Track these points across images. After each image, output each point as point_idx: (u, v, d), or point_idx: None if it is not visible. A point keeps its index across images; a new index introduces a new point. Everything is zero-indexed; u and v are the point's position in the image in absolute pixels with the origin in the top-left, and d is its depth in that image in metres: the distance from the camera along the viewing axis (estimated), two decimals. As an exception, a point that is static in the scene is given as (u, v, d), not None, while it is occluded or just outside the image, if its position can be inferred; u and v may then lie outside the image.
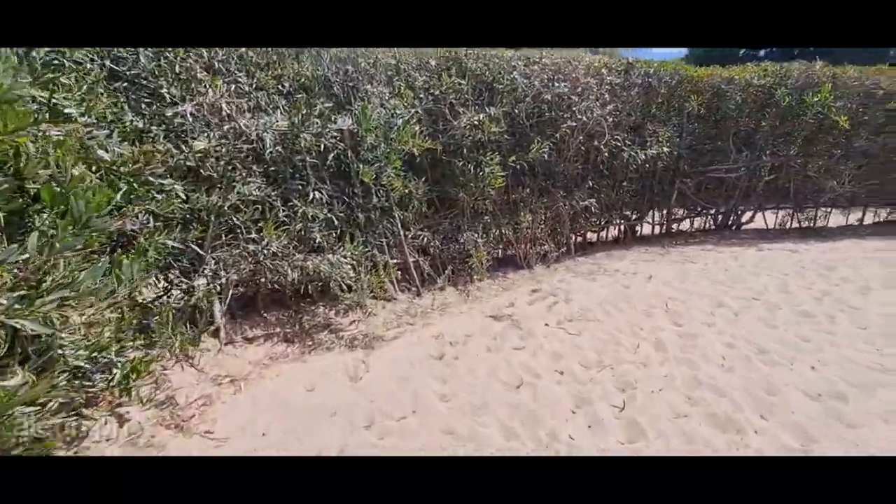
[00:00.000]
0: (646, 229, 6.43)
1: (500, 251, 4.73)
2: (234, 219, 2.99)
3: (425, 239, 4.11)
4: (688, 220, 6.67)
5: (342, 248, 3.42)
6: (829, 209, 6.55)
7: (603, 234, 6.06)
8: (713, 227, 6.73)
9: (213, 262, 2.92)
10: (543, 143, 4.48)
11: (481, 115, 4.07)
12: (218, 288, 2.97)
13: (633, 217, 6.19)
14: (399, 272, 4.01)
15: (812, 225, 6.52)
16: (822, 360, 2.75)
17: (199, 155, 2.82)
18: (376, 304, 3.72)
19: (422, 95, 4.01)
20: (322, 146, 3.35)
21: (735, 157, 6.17)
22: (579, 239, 5.75)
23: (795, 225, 6.58)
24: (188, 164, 2.77)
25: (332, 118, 3.48)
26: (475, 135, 4.10)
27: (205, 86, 3.02)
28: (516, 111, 4.49)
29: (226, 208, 2.93)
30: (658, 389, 2.48)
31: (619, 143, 5.19)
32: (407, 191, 3.88)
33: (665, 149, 5.57)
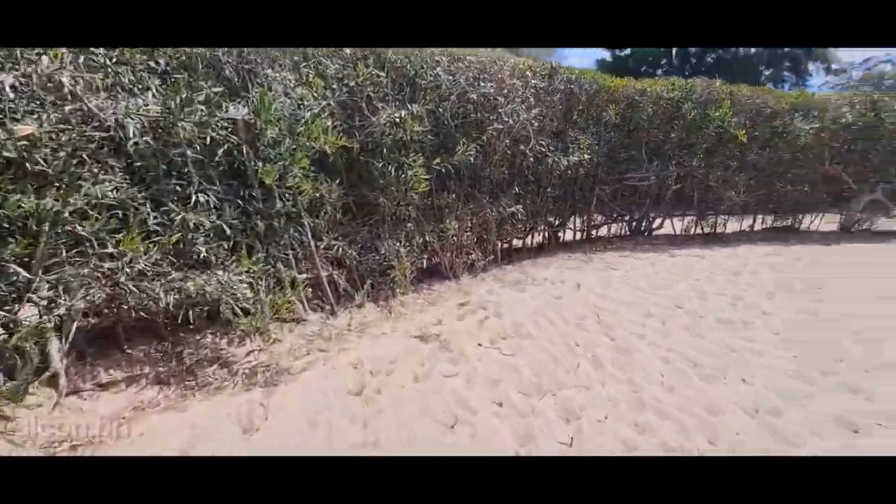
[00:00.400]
0: (568, 235, 6.50)
1: (424, 261, 4.38)
2: (81, 228, 2.30)
3: (340, 249, 3.62)
4: (606, 226, 6.90)
5: (236, 264, 2.84)
6: (726, 217, 7.15)
7: (528, 240, 6.00)
8: (628, 232, 7.01)
9: (47, 285, 2.20)
10: (469, 146, 4.22)
11: (403, 112, 3.70)
12: (56, 320, 2.25)
13: (557, 223, 6.21)
14: (310, 289, 3.48)
15: (713, 231, 7.07)
16: (750, 371, 2.77)
17: (24, 143, 2.10)
18: (282, 329, 3.16)
19: (335, 86, 3.53)
20: (209, 138, 2.74)
21: (647, 167, 6.47)
22: (505, 246, 5.61)
23: (699, 231, 7.08)
24: (5, 154, 2.05)
25: (223, 105, 2.89)
26: (396, 133, 3.71)
27: (38, 52, 2.30)
28: (441, 110, 4.19)
29: (67, 214, 2.23)
30: (604, 417, 2.28)
31: (543, 149, 5.11)
32: (318, 194, 3.38)
33: (586, 156, 5.63)
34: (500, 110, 4.55)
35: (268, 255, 3.05)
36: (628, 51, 21.86)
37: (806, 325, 3.59)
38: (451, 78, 4.17)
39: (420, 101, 3.90)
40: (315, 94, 3.40)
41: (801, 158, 6.73)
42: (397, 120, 3.68)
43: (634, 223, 6.96)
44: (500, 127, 4.54)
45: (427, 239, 4.44)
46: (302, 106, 3.25)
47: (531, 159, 5.03)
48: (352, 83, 3.59)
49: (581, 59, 56.46)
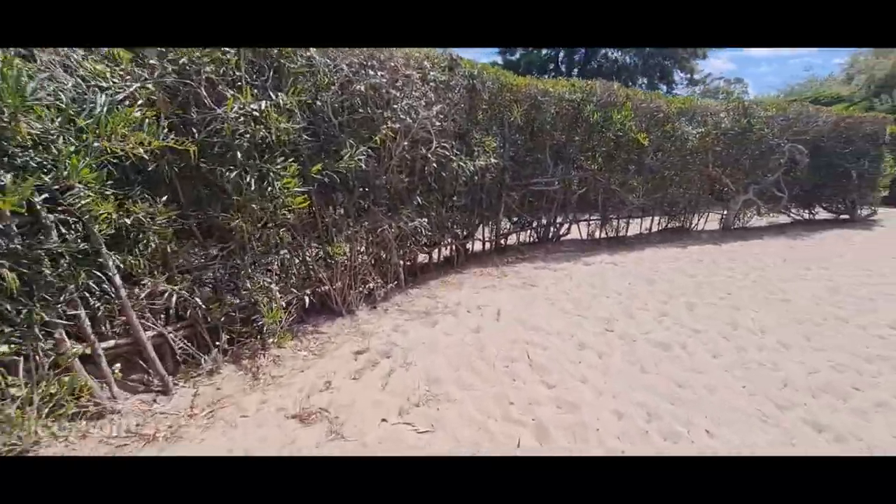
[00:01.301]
0: (476, 246, 6.00)
1: (307, 296, 3.47)
2: None
3: (176, 295, 2.58)
4: (514, 234, 6.55)
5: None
6: (628, 220, 7.25)
7: (434, 254, 5.35)
8: (537, 239, 6.75)
9: None
10: (359, 149, 3.43)
11: (264, 104, 2.78)
12: None
13: (464, 235, 5.66)
14: (123, 361, 2.40)
15: (616, 234, 7.11)
16: (710, 415, 2.38)
17: None
18: (67, 431, 2.06)
19: (154, 61, 2.49)
20: None
21: (552, 171, 6.24)
22: (408, 263, 4.89)
23: (604, 235, 7.08)
24: None
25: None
26: (256, 132, 2.78)
27: None
28: (319, 103, 3.33)
29: None
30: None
31: (447, 152, 4.50)
32: (131, 219, 2.33)
33: (493, 160, 5.15)
34: (396, 106, 3.82)
35: (28, 325, 1.93)
36: (519, 53, 22.67)
37: (733, 340, 3.41)
38: (329, 62, 3.33)
39: (289, 90, 3.00)
40: (121, 72, 2.35)
41: (689, 162, 7.06)
42: (255, 113, 2.75)
43: (542, 230, 6.72)
44: (397, 126, 3.81)
45: (310, 267, 3.54)
46: (96, 89, 2.20)
47: (434, 164, 4.37)
48: (183, 59, 2.58)
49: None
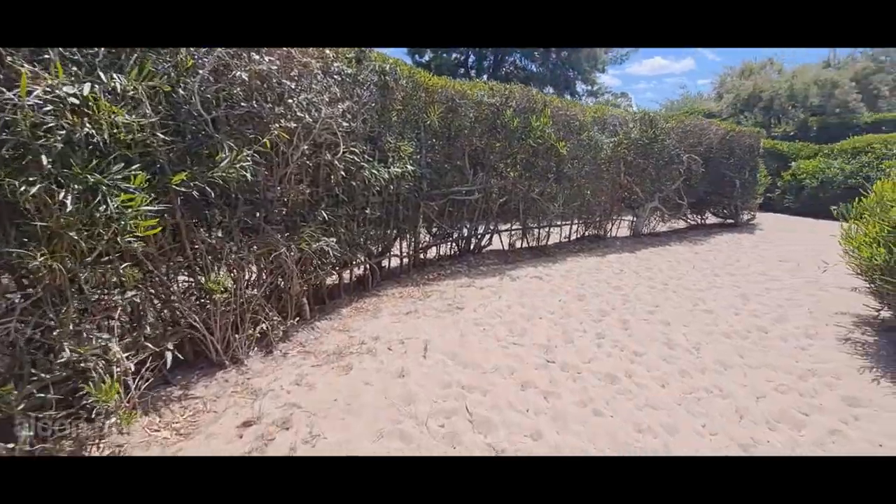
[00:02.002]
0: (393, 261, 5.42)
1: (169, 350, 2.63)
2: None
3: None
4: (435, 248, 6.09)
5: None
6: (548, 229, 7.15)
7: (345, 274, 4.67)
8: (458, 252, 6.34)
9: None
10: (243, 153, 2.69)
11: (88, 88, 1.96)
12: None
13: (380, 251, 5.05)
14: None
15: (538, 244, 6.97)
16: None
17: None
18: None
19: None
20: None
21: (472, 179, 5.89)
22: (314, 288, 4.16)
23: (525, 245, 6.89)
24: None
25: None
26: (76, 128, 1.95)
27: None
28: (184, 91, 2.54)
29: None
30: None
31: (357, 158, 3.88)
32: None
33: (409, 167, 4.63)
34: (291, 101, 3.12)
35: None
36: (429, 55, 22.43)
37: (673, 362, 3.25)
38: (196, 38, 2.55)
39: (131, 71, 2.18)
40: None
41: (604, 170, 7.16)
42: (73, 101, 1.91)
43: (464, 242, 6.33)
44: (293, 126, 3.11)
45: (176, 309, 2.70)
46: None
47: (342, 172, 3.73)
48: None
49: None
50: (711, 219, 10.68)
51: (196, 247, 2.76)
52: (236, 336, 2.94)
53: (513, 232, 6.83)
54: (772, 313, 4.38)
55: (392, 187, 4.70)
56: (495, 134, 5.89)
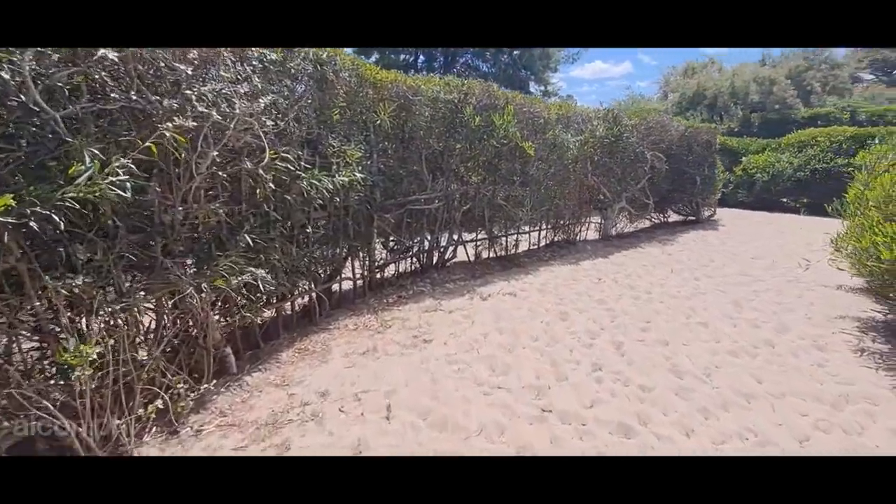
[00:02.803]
0: (346, 284, 4.68)
1: (12, 444, 1.81)
2: None
3: None
4: (393, 264, 5.39)
5: None
6: (516, 237, 6.61)
7: (287, 306, 3.89)
8: (419, 267, 5.67)
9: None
10: (115, 162, 1.92)
11: None
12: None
13: (328, 275, 4.30)
14: None
15: (506, 253, 6.41)
16: None
17: None
18: None
19: None
20: None
21: (432, 186, 5.25)
22: (244, 328, 3.37)
23: (493, 254, 6.31)
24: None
25: None
26: None
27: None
28: (9, 75, 1.75)
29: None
30: None
31: (291, 167, 3.14)
32: None
33: (359, 174, 3.93)
34: (191, 92, 2.36)
35: None
36: (375, 56, 21.56)
37: (688, 397, 2.73)
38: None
39: None
40: None
41: (571, 171, 6.72)
42: None
43: (425, 256, 5.67)
44: (194, 125, 2.35)
45: (16, 392, 1.86)
46: None
47: (270, 185, 2.98)
48: None
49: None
50: (673, 216, 10.58)
51: (47, 297, 1.94)
52: (118, 420, 2.13)
53: (478, 242, 6.23)
54: (770, 321, 4.00)
55: (339, 199, 3.98)
56: (454, 134, 5.28)
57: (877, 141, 10.25)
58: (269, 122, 2.90)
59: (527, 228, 6.77)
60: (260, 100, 2.79)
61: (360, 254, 4.75)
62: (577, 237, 7.64)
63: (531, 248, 6.95)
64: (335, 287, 4.51)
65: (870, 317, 4.08)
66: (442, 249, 5.81)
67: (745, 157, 13.51)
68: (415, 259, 5.61)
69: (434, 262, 5.77)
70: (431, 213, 5.40)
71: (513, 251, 6.55)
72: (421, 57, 22.37)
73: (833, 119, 16.74)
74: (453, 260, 6.02)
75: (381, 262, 5.16)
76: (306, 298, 4.09)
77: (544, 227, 7.05)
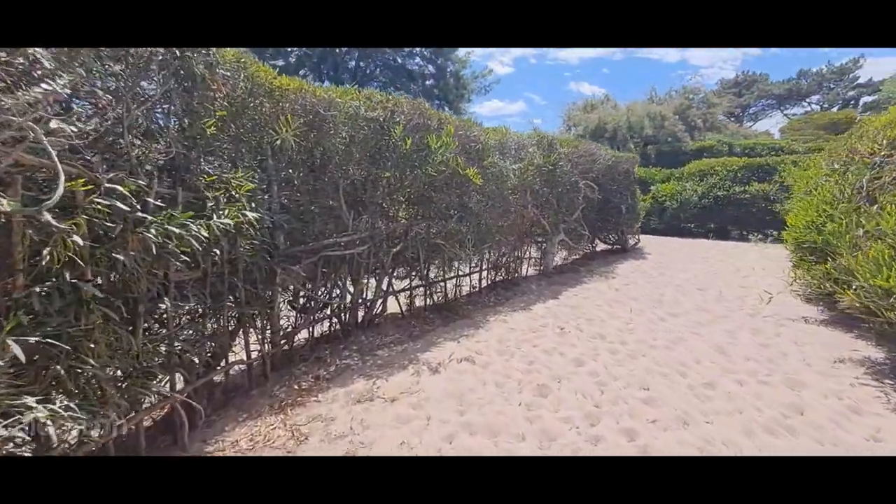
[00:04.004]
0: (242, 355, 3.31)
1: None
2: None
3: None
4: (306, 330, 4.10)
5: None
6: (455, 280, 5.65)
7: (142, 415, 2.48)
8: (339, 327, 4.43)
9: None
10: None
11: None
12: None
13: (207, 360, 2.94)
14: None
15: (446, 299, 5.39)
16: None
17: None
18: None
19: None
20: None
21: (353, 224, 4.14)
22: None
23: (430, 302, 5.26)
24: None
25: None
26: None
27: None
28: None
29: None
30: None
31: (122, 205, 1.89)
32: None
33: (251, 214, 2.74)
34: None
35: None
36: (281, 63, 19.75)
37: None
38: None
39: None
40: None
41: (511, 203, 5.98)
42: None
43: (348, 313, 4.46)
44: None
45: None
46: None
47: (77, 238, 1.69)
48: None
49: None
50: (600, 245, 10.43)
51: None
52: None
53: (413, 290, 5.16)
54: (773, 373, 3.42)
55: (220, 251, 2.72)
56: (380, 161, 4.25)
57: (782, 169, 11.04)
58: (67, 128, 1.64)
59: (465, 269, 5.85)
60: (42, 85, 1.54)
61: (258, 321, 3.45)
62: (518, 275, 6.89)
63: (472, 290, 6.02)
64: (221, 377, 3.14)
65: (865, 356, 3.69)
66: (368, 303, 4.64)
67: (654, 185, 14.17)
68: (334, 319, 4.37)
69: (360, 319, 4.57)
70: (354, 260, 4.26)
71: (453, 297, 5.57)
72: (325, 82, 21.18)
73: (716, 151, 18.56)
74: (384, 313, 4.87)
75: (289, 328, 3.87)
76: (169, 407, 2.69)
77: (484, 266, 6.19)
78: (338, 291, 4.33)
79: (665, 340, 4.17)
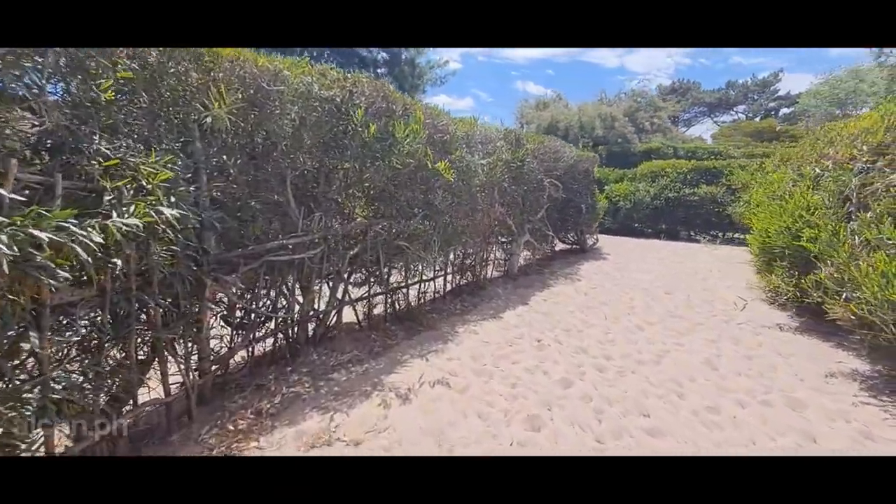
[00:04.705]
0: (159, 383, 2.61)
1: None
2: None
3: None
4: (246, 349, 3.42)
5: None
6: (419, 285, 5.11)
7: None
8: (286, 346, 3.77)
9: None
10: None
11: None
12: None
13: (107, 402, 2.24)
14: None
15: (408, 307, 4.83)
16: None
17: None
18: None
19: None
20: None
21: (304, 224, 3.51)
22: None
23: (391, 310, 4.69)
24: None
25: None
26: None
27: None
28: None
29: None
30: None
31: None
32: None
33: (169, 211, 2.09)
34: None
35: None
36: None
37: None
38: None
39: None
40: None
41: (479, 200, 5.52)
42: None
43: (296, 329, 3.81)
44: None
45: None
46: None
47: None
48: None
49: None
50: (559, 245, 10.27)
51: None
52: None
53: (372, 298, 4.57)
54: (769, 391, 3.22)
55: (127, 258, 2.05)
56: (337, 150, 3.63)
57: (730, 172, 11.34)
58: None
59: (429, 273, 5.33)
60: None
61: (181, 345, 2.75)
62: (484, 279, 6.46)
63: (436, 296, 5.51)
64: (128, 420, 2.43)
65: (852, 369, 3.58)
66: (320, 316, 4.01)
67: (608, 185, 14.31)
68: (280, 334, 3.71)
69: (311, 334, 3.93)
70: (304, 264, 3.63)
71: (416, 303, 5.04)
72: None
73: (662, 153, 19.21)
74: (339, 324, 4.25)
75: (222, 350, 3.19)
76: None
77: (449, 270, 5.69)
78: (284, 302, 3.68)
79: (650, 354, 3.89)
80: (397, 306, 4.79)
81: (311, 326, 3.94)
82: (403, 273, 4.83)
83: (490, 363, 3.60)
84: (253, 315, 3.35)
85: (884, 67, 19.75)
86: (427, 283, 5.29)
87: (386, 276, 4.55)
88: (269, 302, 3.56)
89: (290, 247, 3.42)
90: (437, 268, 5.40)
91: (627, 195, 13.56)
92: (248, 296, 3.36)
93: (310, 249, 3.55)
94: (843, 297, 3.36)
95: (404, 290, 4.85)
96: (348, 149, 3.59)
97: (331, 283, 4.08)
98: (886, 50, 19.07)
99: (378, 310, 4.70)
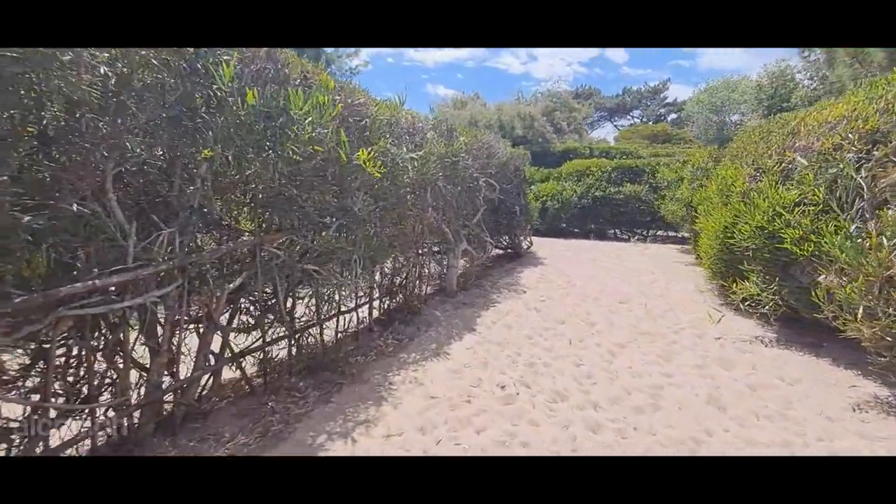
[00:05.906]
0: None
1: None
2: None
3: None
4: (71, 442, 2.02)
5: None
6: (337, 318, 3.87)
7: None
8: (118, 438, 2.40)
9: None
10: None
11: None
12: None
13: None
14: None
15: (323, 351, 3.58)
16: None
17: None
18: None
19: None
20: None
21: (144, 245, 2.20)
22: None
23: (294, 352, 3.42)
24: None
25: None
26: None
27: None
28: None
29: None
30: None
31: None
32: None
33: None
34: None
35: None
36: None
37: None
38: None
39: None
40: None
41: (408, 203, 4.42)
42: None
43: (137, 415, 2.44)
44: None
45: None
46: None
47: None
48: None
49: None
50: (493, 250, 9.49)
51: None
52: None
53: (268, 345, 3.27)
54: (807, 442, 2.49)
55: None
56: (194, 130, 2.35)
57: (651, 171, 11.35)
58: None
59: (351, 302, 4.12)
60: None
61: None
62: (419, 300, 5.34)
63: (360, 328, 4.29)
64: None
65: (874, 395, 3.06)
66: (184, 385, 2.66)
67: (534, 185, 13.93)
68: (101, 433, 2.32)
69: (167, 415, 2.57)
70: (147, 312, 2.30)
71: (333, 344, 3.80)
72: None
73: (579, 153, 19.54)
74: (217, 393, 2.92)
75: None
76: None
77: (376, 294, 4.51)
78: (115, 377, 2.31)
79: (642, 394, 3.07)
80: (306, 351, 3.54)
81: (166, 405, 2.59)
82: (315, 306, 3.60)
83: (445, 435, 2.53)
84: (38, 414, 1.96)
85: (760, 78, 21.76)
86: (348, 315, 4.08)
87: (288, 313, 3.29)
88: (74, 383, 2.18)
89: (114, 287, 2.09)
90: (361, 293, 4.21)
91: (555, 195, 13.25)
92: (34, 376, 1.98)
93: (154, 290, 2.24)
94: (862, 312, 2.78)
95: (316, 328, 3.61)
96: (211, 128, 2.32)
97: (199, 332, 2.75)
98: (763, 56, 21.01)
99: (282, 354, 3.43)
